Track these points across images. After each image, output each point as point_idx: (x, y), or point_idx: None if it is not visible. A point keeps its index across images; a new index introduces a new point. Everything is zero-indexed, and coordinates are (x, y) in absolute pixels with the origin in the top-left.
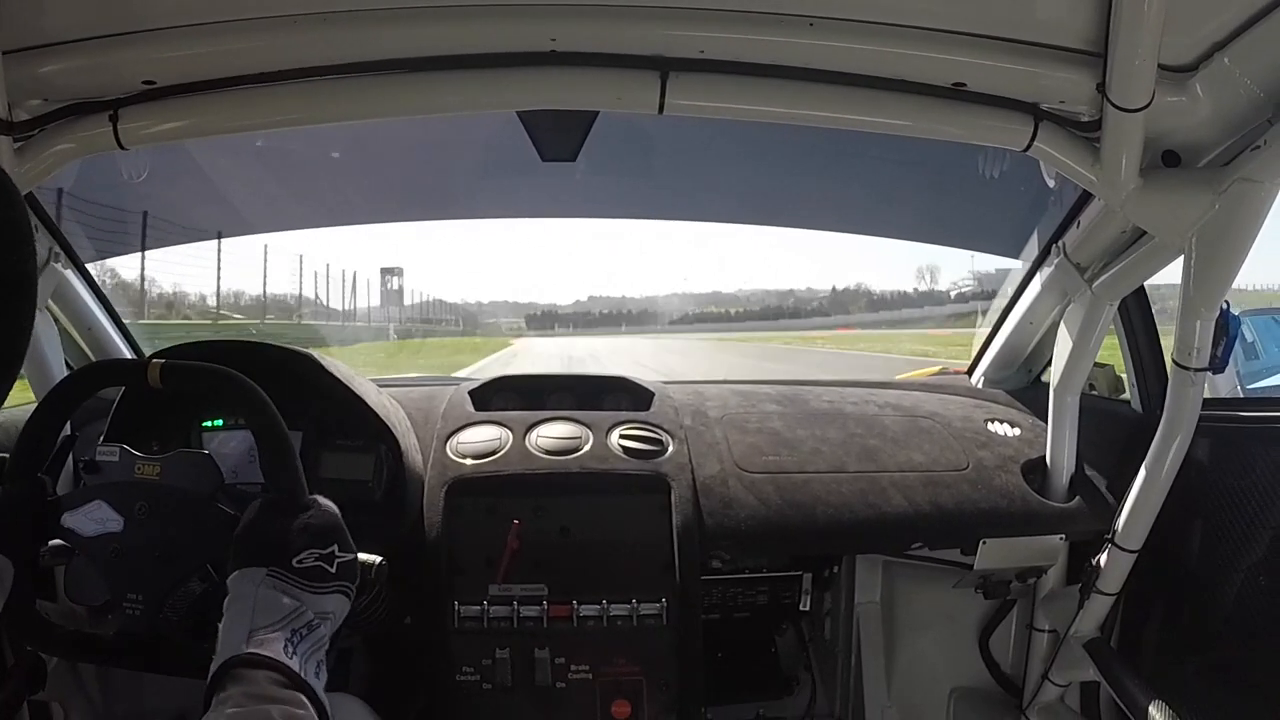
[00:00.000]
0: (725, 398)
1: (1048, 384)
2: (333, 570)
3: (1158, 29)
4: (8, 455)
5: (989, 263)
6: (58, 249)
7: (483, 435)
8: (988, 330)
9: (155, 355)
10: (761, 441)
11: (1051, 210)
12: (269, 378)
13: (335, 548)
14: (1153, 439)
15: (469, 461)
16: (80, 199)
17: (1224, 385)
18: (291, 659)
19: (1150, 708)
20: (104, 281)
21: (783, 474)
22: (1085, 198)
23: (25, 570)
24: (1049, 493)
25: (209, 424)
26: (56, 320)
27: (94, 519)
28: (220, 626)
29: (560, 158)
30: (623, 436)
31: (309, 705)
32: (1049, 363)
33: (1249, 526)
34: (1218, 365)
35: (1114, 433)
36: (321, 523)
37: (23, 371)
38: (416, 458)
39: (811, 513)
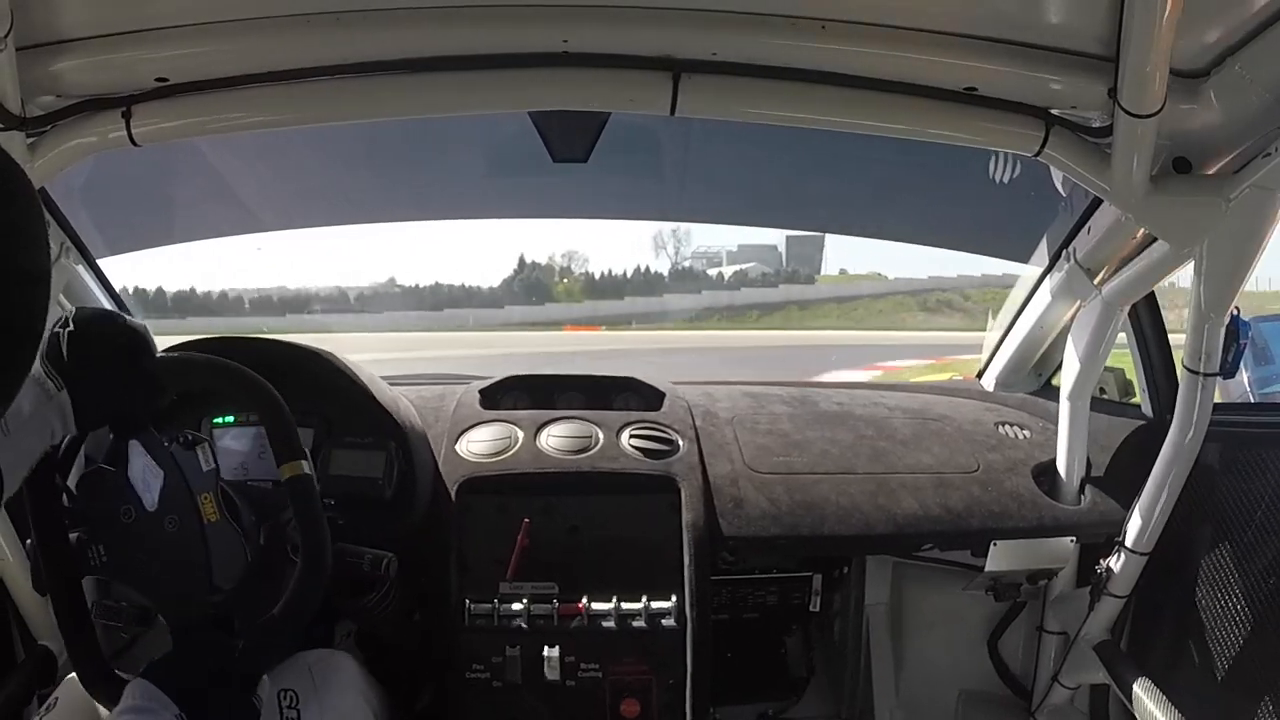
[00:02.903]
0: (735, 398)
1: (1058, 388)
2: None
3: (1170, 34)
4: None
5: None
6: (68, 244)
7: (493, 434)
8: (999, 334)
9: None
10: (772, 442)
11: (1062, 215)
12: (282, 374)
13: None
14: (1163, 443)
15: (479, 460)
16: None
17: (1235, 390)
18: None
19: (1159, 711)
20: None
21: (793, 475)
22: (1095, 203)
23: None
24: (1059, 495)
25: (220, 420)
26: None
27: (142, 474)
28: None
29: (572, 158)
30: (633, 436)
31: None
32: (1059, 366)
33: (1259, 531)
34: (1228, 370)
35: (1125, 437)
36: None
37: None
38: (427, 456)
39: (821, 514)
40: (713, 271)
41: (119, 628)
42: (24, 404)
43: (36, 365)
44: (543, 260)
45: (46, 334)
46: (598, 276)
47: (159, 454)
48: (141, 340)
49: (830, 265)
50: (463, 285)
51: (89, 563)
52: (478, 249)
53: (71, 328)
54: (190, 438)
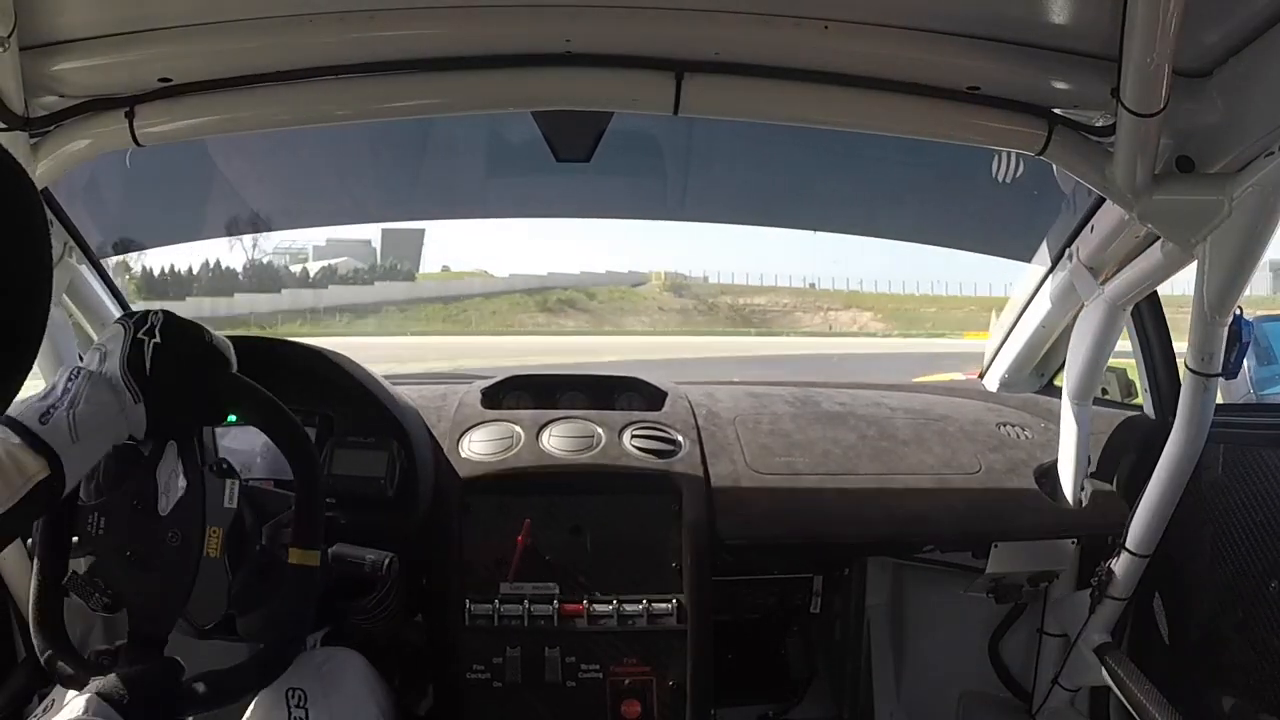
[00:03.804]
0: (738, 398)
1: (1060, 388)
2: None
3: (1173, 33)
4: None
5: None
6: (71, 244)
7: (495, 434)
8: (1001, 334)
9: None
10: (774, 443)
11: (1064, 214)
12: (286, 373)
13: None
14: (1165, 444)
15: (481, 460)
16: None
17: (1239, 389)
18: None
19: (1160, 714)
20: None
21: (794, 475)
22: (1098, 202)
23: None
24: (1061, 497)
25: None
26: (70, 315)
27: (168, 476)
28: None
29: (575, 158)
30: (635, 436)
31: None
32: (1062, 367)
33: (1261, 533)
34: (1230, 371)
35: (1126, 437)
36: None
37: (37, 368)
38: (429, 455)
39: (823, 515)
40: (296, 268)
41: (86, 606)
42: (99, 412)
43: (117, 373)
44: None
45: (130, 342)
46: (157, 274)
47: (190, 466)
48: (223, 358)
49: (432, 261)
50: None
51: (85, 526)
52: None
53: (158, 339)
54: (225, 467)
